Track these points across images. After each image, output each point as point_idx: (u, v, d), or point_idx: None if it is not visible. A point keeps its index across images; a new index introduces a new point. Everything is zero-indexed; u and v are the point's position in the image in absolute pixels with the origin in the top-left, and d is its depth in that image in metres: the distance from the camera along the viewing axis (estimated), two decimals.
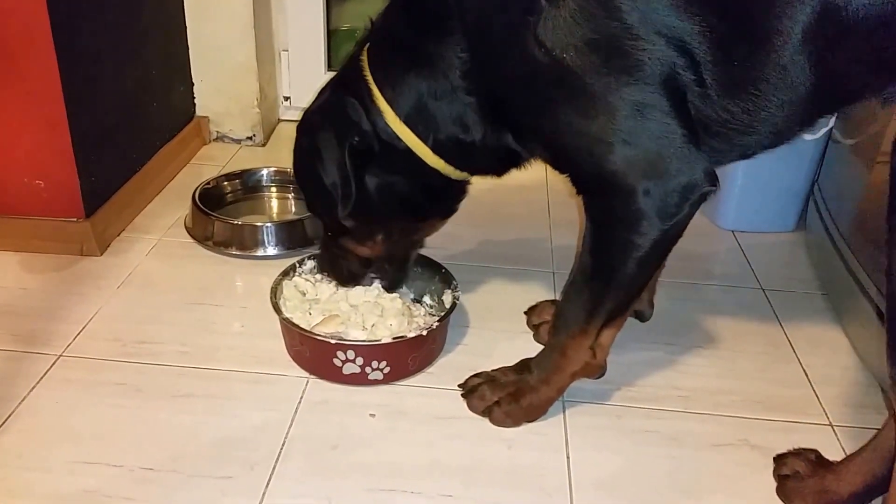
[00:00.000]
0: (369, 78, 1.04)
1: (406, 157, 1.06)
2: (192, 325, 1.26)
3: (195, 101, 1.92)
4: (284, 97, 2.12)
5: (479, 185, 1.17)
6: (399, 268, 1.26)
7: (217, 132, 1.97)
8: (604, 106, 0.86)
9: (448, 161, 1.07)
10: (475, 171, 1.12)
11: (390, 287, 1.26)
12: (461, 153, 1.06)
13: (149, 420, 1.06)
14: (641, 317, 1.31)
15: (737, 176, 1.59)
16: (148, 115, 1.69)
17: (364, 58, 1.06)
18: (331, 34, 2.07)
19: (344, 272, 1.24)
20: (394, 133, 1.05)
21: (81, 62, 1.38)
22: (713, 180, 0.88)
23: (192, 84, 1.91)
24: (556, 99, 0.89)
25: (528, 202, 1.72)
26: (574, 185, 0.98)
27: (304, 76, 2.06)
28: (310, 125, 1.11)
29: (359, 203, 1.07)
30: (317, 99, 1.13)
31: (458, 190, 1.17)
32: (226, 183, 1.65)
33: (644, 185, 0.87)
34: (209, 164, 1.85)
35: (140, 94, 1.64)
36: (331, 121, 1.07)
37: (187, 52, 1.87)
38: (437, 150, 1.05)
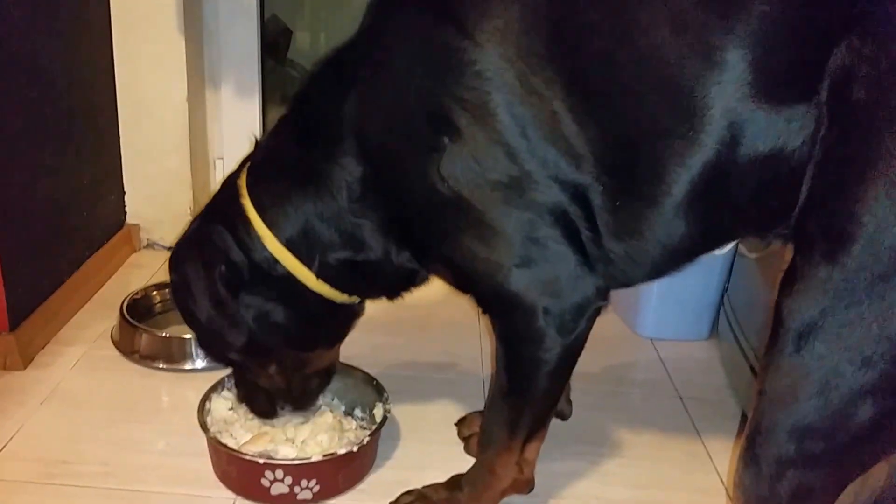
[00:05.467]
0: (245, 201, 1.02)
1: (286, 282, 1.04)
2: (116, 443, 1.23)
3: (126, 209, 1.92)
4: None
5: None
6: (305, 399, 1.22)
7: (148, 239, 1.96)
8: (502, 236, 0.91)
9: (335, 286, 1.06)
10: (365, 295, 1.12)
11: (295, 409, 1.22)
12: (350, 277, 1.05)
13: None
14: (562, 416, 1.35)
15: (654, 286, 1.68)
16: (77, 224, 1.68)
17: (241, 181, 1.04)
18: None
19: (260, 405, 1.20)
20: (272, 258, 1.02)
21: (9, 174, 1.38)
22: (605, 296, 0.95)
23: (124, 192, 1.91)
24: (458, 228, 0.94)
25: (458, 307, 1.74)
26: (478, 305, 1.02)
27: None
28: (176, 259, 1.08)
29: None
30: (185, 231, 1.10)
31: (346, 315, 1.15)
32: (155, 293, 1.64)
33: (543, 304, 0.92)
34: (138, 272, 1.84)
35: (70, 204, 1.64)
36: (197, 251, 1.04)
37: (119, 161, 1.87)
38: (322, 274, 1.04)
